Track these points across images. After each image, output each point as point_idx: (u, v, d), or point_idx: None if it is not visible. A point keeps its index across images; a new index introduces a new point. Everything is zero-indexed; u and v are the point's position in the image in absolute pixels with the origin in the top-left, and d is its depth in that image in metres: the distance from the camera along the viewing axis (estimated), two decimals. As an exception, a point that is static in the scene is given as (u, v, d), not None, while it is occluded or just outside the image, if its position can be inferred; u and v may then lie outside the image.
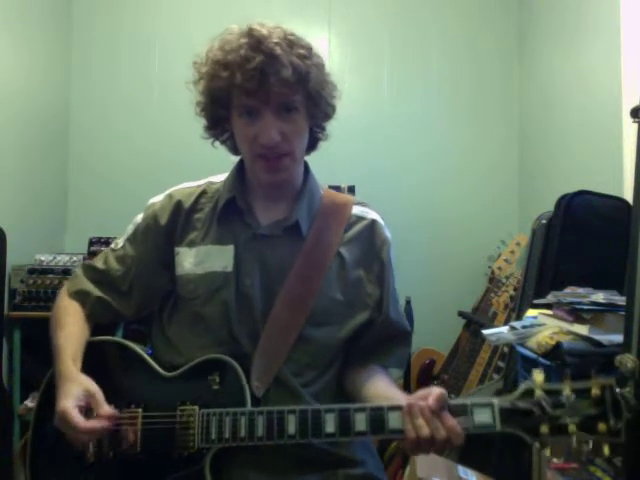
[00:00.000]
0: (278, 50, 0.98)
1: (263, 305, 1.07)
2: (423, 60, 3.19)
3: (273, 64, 0.97)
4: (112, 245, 1.20)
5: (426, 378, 2.79)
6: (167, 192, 1.18)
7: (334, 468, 1.06)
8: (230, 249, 1.09)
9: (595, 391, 0.83)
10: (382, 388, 1.06)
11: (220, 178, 1.18)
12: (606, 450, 0.82)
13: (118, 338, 1.17)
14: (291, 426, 0.91)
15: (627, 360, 1.00)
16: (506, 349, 2.16)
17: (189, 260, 1.10)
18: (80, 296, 1.17)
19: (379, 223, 1.17)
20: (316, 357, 1.08)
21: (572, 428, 0.82)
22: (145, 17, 3.19)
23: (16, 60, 2.63)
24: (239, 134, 1.06)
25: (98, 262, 1.19)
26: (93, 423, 0.96)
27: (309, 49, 1.04)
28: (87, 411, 0.99)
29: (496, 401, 0.86)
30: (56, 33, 3.04)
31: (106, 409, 0.98)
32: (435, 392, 0.88)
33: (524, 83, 3.13)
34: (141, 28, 3.18)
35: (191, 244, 1.11)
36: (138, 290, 1.16)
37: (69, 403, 0.97)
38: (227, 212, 1.11)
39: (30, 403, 2.53)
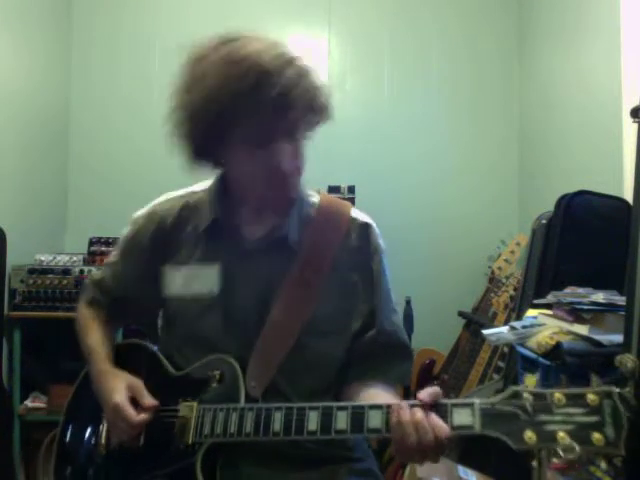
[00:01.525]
0: (286, 84, 0.94)
1: (257, 320, 1.05)
2: (423, 60, 3.19)
3: (283, 100, 0.94)
4: (111, 257, 1.21)
5: (426, 378, 2.79)
6: (150, 207, 1.17)
7: (335, 463, 1.07)
8: (215, 269, 1.08)
9: (592, 397, 0.76)
10: (378, 394, 1.03)
11: (202, 186, 1.15)
12: (603, 463, 0.77)
13: (137, 340, 1.21)
14: (277, 424, 0.92)
15: (627, 360, 1.00)
16: (506, 349, 2.16)
17: (176, 281, 1.10)
18: (95, 303, 1.22)
19: (373, 230, 1.13)
20: (313, 366, 1.07)
21: (561, 436, 0.75)
22: (145, 17, 3.19)
23: (16, 60, 2.63)
24: (247, 165, 1.02)
25: (99, 274, 1.23)
26: (142, 416, 1.01)
27: (309, 71, 1.01)
28: (132, 403, 1.04)
29: (477, 401, 0.81)
30: (56, 33, 3.04)
31: (149, 400, 1.02)
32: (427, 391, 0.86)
33: (524, 83, 3.13)
34: (141, 28, 3.18)
35: (177, 264, 1.11)
36: (132, 303, 1.19)
37: (121, 398, 1.02)
38: (212, 231, 1.09)
39: (30, 403, 2.53)
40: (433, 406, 0.84)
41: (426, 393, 0.85)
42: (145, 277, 1.14)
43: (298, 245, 1.07)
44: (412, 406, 0.85)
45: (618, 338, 1.21)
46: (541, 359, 1.40)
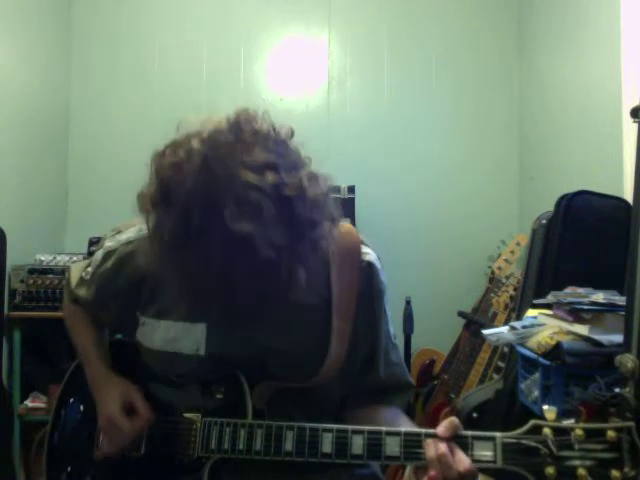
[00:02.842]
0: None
1: (252, 373, 0.99)
2: (423, 60, 3.19)
3: None
4: (83, 273, 1.14)
5: (426, 378, 2.79)
6: (125, 245, 1.06)
7: (338, 468, 1.06)
8: (202, 328, 0.99)
9: (611, 434, 0.76)
10: (390, 414, 1.03)
11: None
12: None
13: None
14: (288, 443, 0.90)
15: (627, 360, 1.00)
16: (506, 349, 2.16)
17: (156, 335, 1.02)
18: (79, 303, 1.17)
19: (376, 269, 1.05)
20: (317, 396, 1.04)
21: (581, 472, 0.76)
22: (145, 17, 3.18)
23: (16, 60, 2.63)
24: None
25: (75, 283, 1.16)
26: (137, 426, 1.00)
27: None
28: (128, 410, 1.02)
29: (499, 435, 0.81)
30: (56, 33, 3.04)
31: (146, 411, 1.01)
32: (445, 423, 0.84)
33: (524, 83, 3.13)
34: (141, 28, 3.17)
35: (159, 315, 1.03)
36: (110, 325, 1.18)
37: (114, 408, 1.01)
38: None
39: (30, 403, 2.53)
40: (453, 438, 0.83)
41: (444, 427, 0.84)
42: (118, 315, 1.10)
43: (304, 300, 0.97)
44: (433, 436, 0.84)
45: (618, 338, 1.21)
46: (541, 359, 1.40)
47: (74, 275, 1.17)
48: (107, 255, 1.09)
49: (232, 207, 0.75)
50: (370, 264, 1.04)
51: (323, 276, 1.00)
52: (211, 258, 0.77)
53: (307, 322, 1.01)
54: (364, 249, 1.06)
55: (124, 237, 1.08)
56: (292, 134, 0.88)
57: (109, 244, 1.10)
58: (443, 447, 0.82)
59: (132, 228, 1.08)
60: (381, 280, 1.06)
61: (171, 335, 1.01)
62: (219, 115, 0.85)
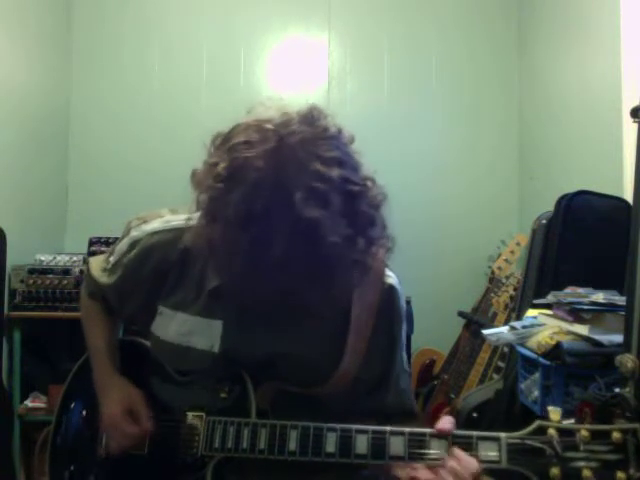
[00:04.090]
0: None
1: (259, 372, 0.99)
2: (423, 60, 3.19)
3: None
4: (104, 263, 1.13)
5: (426, 378, 2.80)
6: (151, 236, 1.05)
7: (342, 470, 1.05)
8: (219, 327, 1.00)
9: (616, 435, 0.76)
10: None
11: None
12: None
13: (140, 339, 1.15)
14: (292, 443, 0.90)
15: (627, 360, 1.00)
16: (506, 349, 2.16)
17: (171, 326, 1.03)
18: (96, 296, 1.17)
19: (398, 294, 1.06)
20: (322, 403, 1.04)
21: (586, 473, 0.76)
22: (147, 11, 3.18)
23: (16, 54, 2.62)
24: None
25: (97, 273, 1.15)
26: (139, 429, 1.01)
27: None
28: (130, 415, 1.03)
29: (504, 436, 0.81)
30: (57, 27, 3.03)
31: (148, 421, 1.02)
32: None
33: (524, 83, 3.13)
34: (143, 23, 3.17)
35: (176, 307, 1.03)
36: (127, 316, 1.18)
37: (118, 409, 1.02)
38: (217, 290, 0.98)
39: (30, 403, 2.53)
40: (456, 437, 0.83)
41: (449, 423, 0.83)
42: (140, 305, 1.09)
43: (324, 310, 0.94)
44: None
45: (618, 338, 1.21)
46: (541, 359, 1.40)
47: (95, 265, 1.17)
48: (132, 245, 1.08)
49: (302, 193, 0.75)
50: (392, 287, 1.05)
51: (348, 289, 0.99)
52: (274, 241, 0.76)
53: (323, 332, 1.01)
54: (387, 271, 1.06)
55: (149, 227, 1.07)
56: (353, 140, 0.92)
57: (135, 234, 1.08)
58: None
59: (158, 219, 1.07)
60: (402, 306, 1.06)
61: (185, 329, 1.01)
62: (286, 107, 0.86)
